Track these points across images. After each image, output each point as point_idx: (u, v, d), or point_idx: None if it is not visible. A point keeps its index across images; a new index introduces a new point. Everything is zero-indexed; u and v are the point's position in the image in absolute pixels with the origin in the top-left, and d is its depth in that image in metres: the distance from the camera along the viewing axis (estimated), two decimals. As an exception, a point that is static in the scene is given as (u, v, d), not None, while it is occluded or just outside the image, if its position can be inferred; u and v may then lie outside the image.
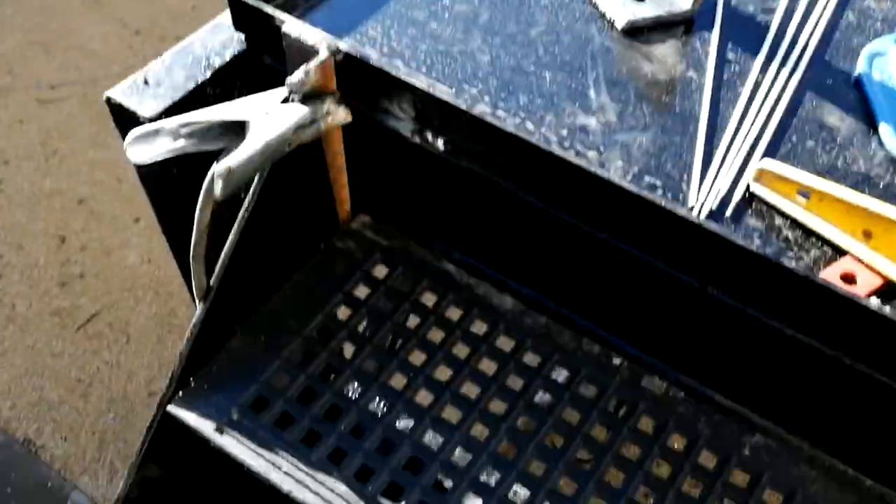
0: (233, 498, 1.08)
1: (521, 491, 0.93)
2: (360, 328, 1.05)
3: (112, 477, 2.51)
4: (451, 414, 0.98)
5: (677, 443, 0.98)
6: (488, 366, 1.03)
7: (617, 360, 1.04)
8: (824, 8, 1.21)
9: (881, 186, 0.98)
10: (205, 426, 0.96)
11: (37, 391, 2.64)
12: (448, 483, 0.93)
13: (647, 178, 0.96)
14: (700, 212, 0.94)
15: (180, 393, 0.98)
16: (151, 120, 0.98)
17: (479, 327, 1.06)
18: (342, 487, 0.92)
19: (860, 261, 0.89)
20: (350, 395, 0.99)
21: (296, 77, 0.87)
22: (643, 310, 1.00)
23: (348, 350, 1.03)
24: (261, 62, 1.06)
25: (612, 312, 1.05)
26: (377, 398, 0.99)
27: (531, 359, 1.04)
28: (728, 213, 0.94)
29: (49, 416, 2.59)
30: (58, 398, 2.62)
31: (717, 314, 0.88)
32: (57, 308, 2.86)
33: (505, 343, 1.04)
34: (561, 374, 1.02)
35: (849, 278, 0.88)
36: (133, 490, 1.00)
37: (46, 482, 2.46)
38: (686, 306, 0.92)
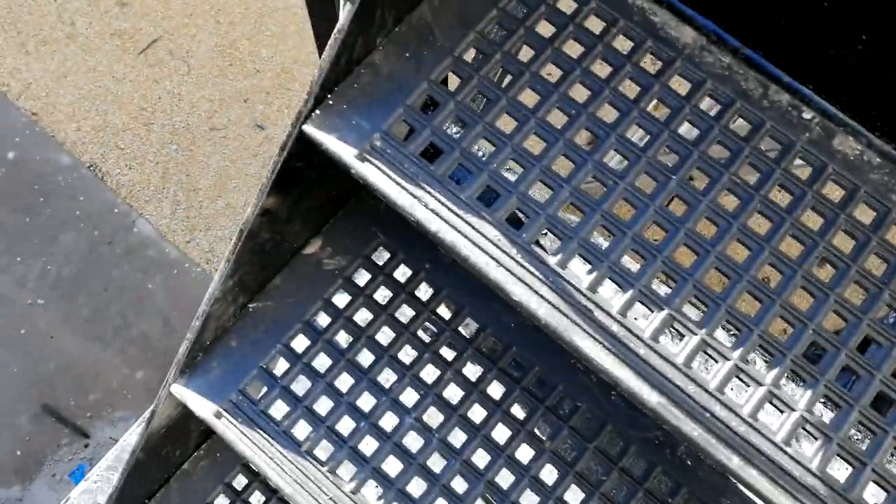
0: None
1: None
2: (516, 51, 0.90)
3: (175, 208, 2.52)
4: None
5: (865, 215, 0.87)
6: (662, 111, 0.89)
7: (808, 115, 0.90)
8: None
9: None
10: (344, 151, 0.85)
11: (101, 116, 2.58)
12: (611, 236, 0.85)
13: None
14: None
15: (317, 111, 0.86)
16: None
17: (652, 65, 0.91)
18: (493, 231, 0.84)
19: None
20: (507, 130, 0.87)
21: None
22: (848, 53, 0.83)
23: (501, 76, 0.90)
24: None
25: (809, 57, 0.88)
26: (536, 129, 0.87)
27: (709, 104, 0.90)
28: None
29: (113, 143, 2.55)
30: (121, 124, 2.56)
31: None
32: (117, 29, 2.69)
33: (679, 84, 0.90)
34: (742, 127, 0.89)
35: None
36: (255, 222, 0.93)
37: (113, 208, 2.49)
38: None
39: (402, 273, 1.07)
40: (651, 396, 0.77)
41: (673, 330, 0.81)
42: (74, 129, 2.55)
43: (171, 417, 1.02)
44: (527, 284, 0.81)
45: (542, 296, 0.81)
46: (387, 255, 1.07)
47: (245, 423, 0.96)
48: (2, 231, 2.44)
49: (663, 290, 0.82)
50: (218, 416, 0.96)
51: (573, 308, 0.81)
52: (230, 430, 0.95)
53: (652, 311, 0.81)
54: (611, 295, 0.81)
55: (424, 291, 1.06)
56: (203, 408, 0.96)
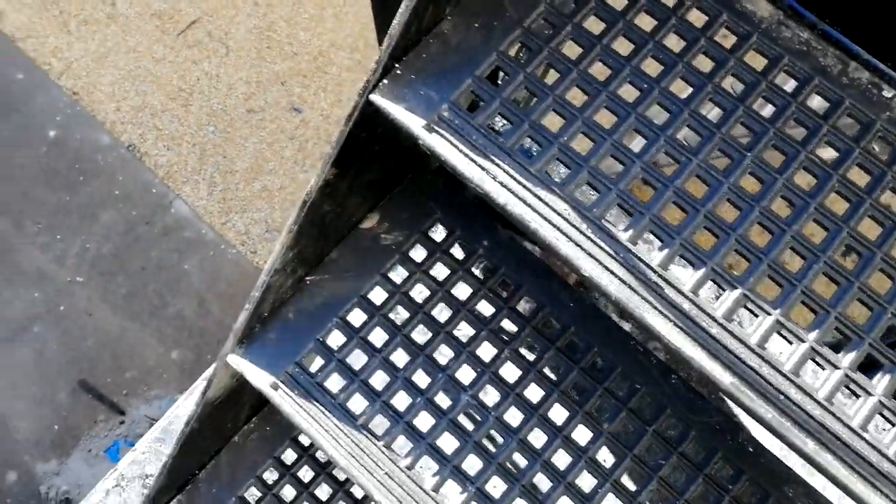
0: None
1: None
2: (587, 23, 0.89)
3: (212, 190, 2.53)
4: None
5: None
6: (731, 82, 0.87)
7: (888, 93, 0.87)
8: None
9: None
10: (412, 121, 0.84)
11: (140, 96, 2.59)
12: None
13: None
14: None
15: (385, 81, 0.85)
16: None
17: (727, 39, 0.88)
18: (562, 205, 0.82)
19: None
20: (578, 103, 0.86)
21: None
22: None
23: (571, 50, 0.88)
24: None
25: (889, 34, 0.86)
26: (606, 102, 0.86)
27: (783, 79, 0.87)
28: None
29: (152, 123, 2.57)
30: (160, 105, 2.57)
31: None
32: (157, 10, 2.70)
33: (756, 59, 0.87)
34: (819, 104, 0.86)
35: None
36: (318, 193, 0.92)
37: (151, 188, 2.50)
38: None
39: (459, 250, 1.05)
40: (724, 377, 0.76)
41: (746, 310, 0.79)
42: (114, 110, 2.57)
43: (226, 388, 1.02)
44: (597, 260, 0.80)
45: (612, 272, 0.79)
46: (444, 232, 1.06)
47: (301, 396, 0.96)
48: (43, 209, 2.46)
49: (737, 268, 0.80)
50: (275, 387, 0.96)
51: (644, 285, 0.79)
52: (287, 401, 0.95)
53: (724, 290, 0.79)
54: (682, 272, 0.80)
55: (481, 269, 1.05)
56: (260, 379, 0.96)
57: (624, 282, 0.79)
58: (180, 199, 2.47)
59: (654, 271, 0.79)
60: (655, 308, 0.78)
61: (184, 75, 2.61)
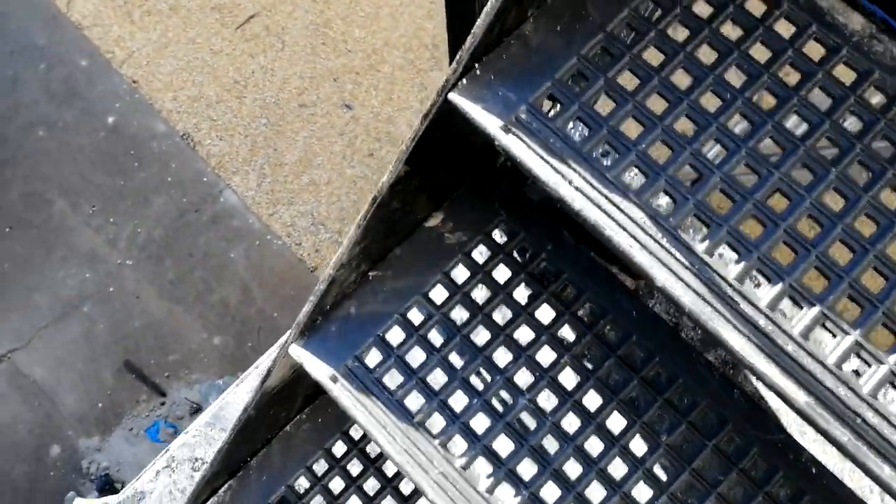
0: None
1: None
2: (671, 30, 0.88)
3: (261, 181, 2.56)
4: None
5: None
6: (820, 99, 0.85)
7: (980, 114, 0.84)
8: None
9: None
10: (489, 122, 0.84)
11: (197, 87, 2.63)
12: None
13: None
14: None
15: (464, 80, 0.85)
16: None
17: (815, 51, 0.87)
18: (639, 214, 0.81)
19: None
20: (659, 111, 0.85)
21: None
22: None
23: (653, 56, 0.87)
24: None
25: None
26: (687, 111, 0.85)
27: (871, 94, 0.85)
28: None
29: (207, 114, 2.61)
30: (215, 96, 2.61)
31: None
32: (218, 4, 2.75)
33: (845, 73, 0.86)
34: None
35: None
36: (388, 190, 0.92)
37: (202, 177, 2.54)
38: None
39: (522, 253, 1.05)
40: (798, 396, 0.74)
41: (824, 329, 0.77)
42: (171, 99, 2.61)
43: (284, 378, 1.03)
44: (672, 270, 0.79)
45: (686, 283, 0.78)
46: (507, 234, 1.06)
47: (359, 390, 0.96)
48: (99, 192, 2.51)
49: (815, 286, 0.78)
50: (334, 379, 0.96)
51: (719, 298, 0.78)
52: (345, 395, 0.95)
53: (802, 308, 0.78)
54: (759, 288, 0.78)
55: (544, 273, 1.04)
56: (319, 371, 0.97)
57: (698, 294, 0.78)
58: (230, 189, 2.51)
59: (730, 285, 0.78)
60: (730, 322, 0.76)
61: (240, 68, 2.65)
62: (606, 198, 0.82)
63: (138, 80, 2.63)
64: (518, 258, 1.05)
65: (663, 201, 0.83)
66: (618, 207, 0.82)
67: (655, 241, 0.80)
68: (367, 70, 2.64)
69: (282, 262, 2.48)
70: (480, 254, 1.05)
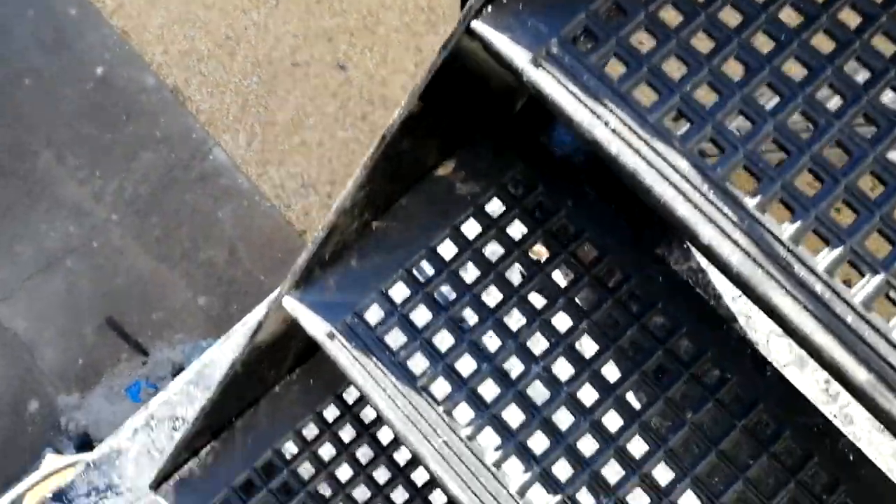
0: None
1: None
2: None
3: (251, 140, 2.48)
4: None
5: None
6: (884, 45, 0.76)
7: None
8: None
9: None
10: (517, 54, 0.75)
11: (188, 41, 2.54)
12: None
13: None
14: None
15: (488, 8, 0.76)
16: None
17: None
18: (682, 163, 0.72)
19: None
20: (704, 50, 0.76)
21: None
22: None
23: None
24: None
25: None
26: (736, 54, 0.75)
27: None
28: None
29: (197, 68, 2.52)
30: (207, 51, 2.52)
31: None
32: (207, -49, 2.63)
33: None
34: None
35: None
36: (399, 128, 0.82)
37: (191, 133, 2.45)
38: None
39: (540, 208, 0.96)
40: (858, 373, 0.66)
41: (889, 299, 0.69)
42: (161, 52, 2.52)
43: (275, 334, 0.94)
44: (718, 226, 0.70)
45: (734, 241, 0.70)
46: (524, 187, 0.97)
47: (359, 348, 0.87)
48: (86, 145, 2.43)
49: (880, 251, 0.70)
50: (331, 336, 0.87)
51: (771, 260, 0.69)
52: (343, 353, 0.87)
53: (865, 275, 0.69)
54: (816, 250, 0.70)
55: (563, 231, 0.95)
56: (315, 326, 0.88)
57: (747, 253, 0.69)
58: (219, 147, 2.43)
59: (784, 245, 0.69)
60: (783, 287, 0.68)
61: (232, 24, 2.56)
62: (646, 143, 0.73)
63: (128, 31, 2.53)
64: (535, 213, 0.96)
65: (710, 150, 0.74)
66: (659, 154, 0.73)
67: (700, 193, 0.71)
68: (361, 31, 2.54)
69: (270, 224, 2.41)
70: (494, 207, 0.96)
